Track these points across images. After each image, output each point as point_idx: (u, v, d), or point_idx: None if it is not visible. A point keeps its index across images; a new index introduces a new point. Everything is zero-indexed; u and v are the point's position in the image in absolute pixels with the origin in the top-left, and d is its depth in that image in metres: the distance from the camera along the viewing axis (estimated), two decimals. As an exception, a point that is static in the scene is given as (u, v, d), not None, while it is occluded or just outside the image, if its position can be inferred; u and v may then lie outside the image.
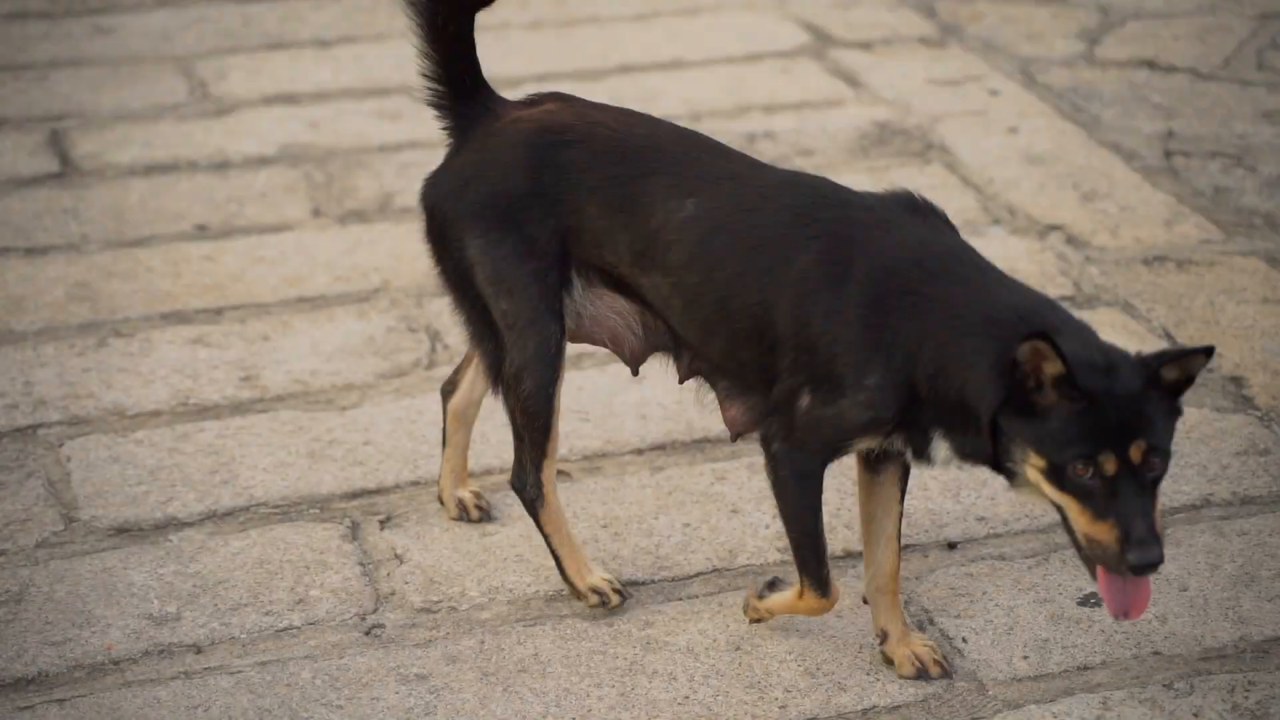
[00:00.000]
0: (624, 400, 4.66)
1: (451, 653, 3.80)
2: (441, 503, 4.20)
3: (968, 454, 3.46)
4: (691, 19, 7.08)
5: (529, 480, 3.84)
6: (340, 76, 6.51)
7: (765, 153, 5.91)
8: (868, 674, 3.75)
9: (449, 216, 3.81)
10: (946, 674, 3.73)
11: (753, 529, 4.18)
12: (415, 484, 4.32)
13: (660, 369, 4.83)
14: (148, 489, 4.29)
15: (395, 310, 5.05)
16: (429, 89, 3.86)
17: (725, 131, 6.02)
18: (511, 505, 4.16)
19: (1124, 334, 4.88)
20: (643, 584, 4.02)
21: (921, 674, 3.72)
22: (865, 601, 3.83)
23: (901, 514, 3.74)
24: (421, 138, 5.99)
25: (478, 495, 4.17)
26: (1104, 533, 3.28)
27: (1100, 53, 6.74)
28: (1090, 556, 3.33)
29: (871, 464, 3.71)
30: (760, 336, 3.60)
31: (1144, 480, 3.28)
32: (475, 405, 4.14)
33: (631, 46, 6.79)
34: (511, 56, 6.52)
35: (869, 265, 3.49)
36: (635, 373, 3.92)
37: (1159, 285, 5.11)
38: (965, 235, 3.69)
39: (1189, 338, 4.89)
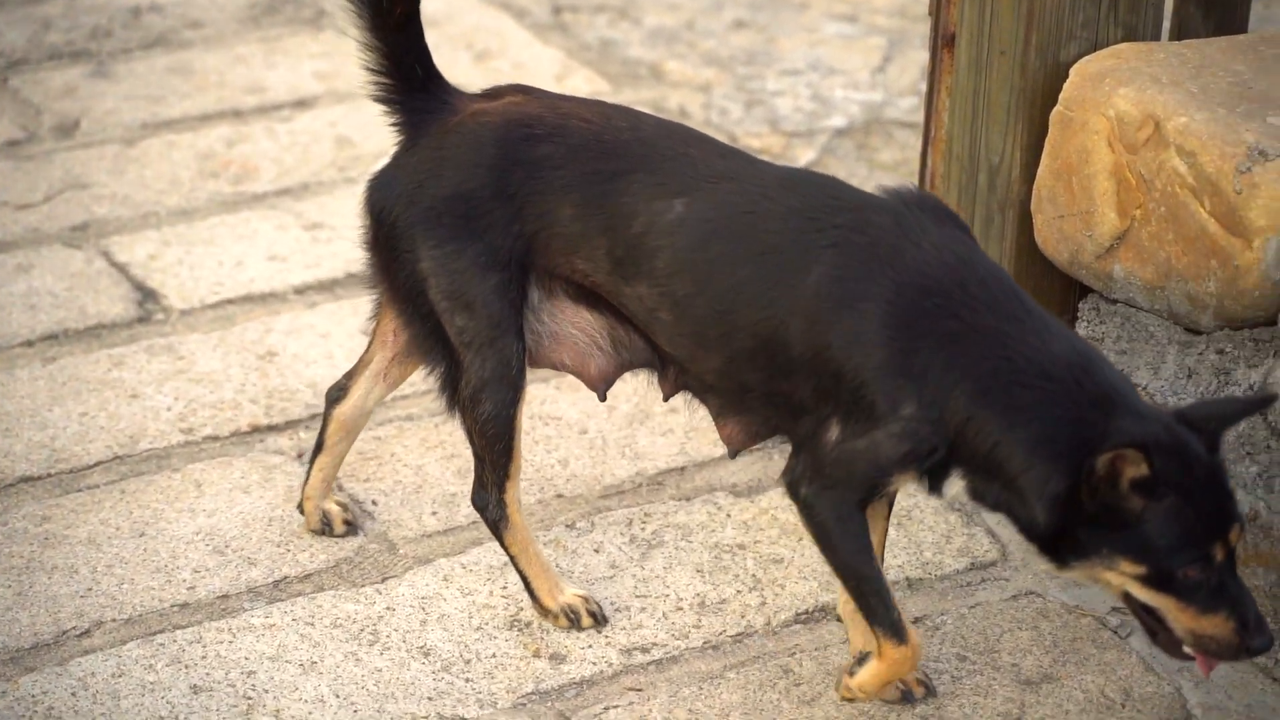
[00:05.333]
0: (10, 291, 4.44)
1: None
2: (302, 512, 3.78)
3: (985, 499, 3.18)
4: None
5: (491, 500, 3.51)
6: None
7: (153, 26, 5.71)
8: (278, 546, 3.73)
9: (400, 223, 3.40)
10: (353, 531, 3.76)
11: (154, 412, 4.07)
12: None
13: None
14: None
15: None
16: (375, 83, 3.44)
17: (105, 7, 5.78)
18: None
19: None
20: (37, 479, 3.86)
21: (326, 528, 3.75)
22: (838, 619, 3.55)
23: (886, 530, 3.45)
24: None
25: (344, 508, 3.78)
26: (1217, 626, 3.06)
27: (489, -87, 6.78)
28: (1195, 647, 3.10)
29: None
30: (770, 358, 3.25)
31: (1233, 556, 3.08)
32: (365, 415, 3.72)
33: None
34: None
35: (898, 280, 3.16)
36: (603, 397, 3.55)
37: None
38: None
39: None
